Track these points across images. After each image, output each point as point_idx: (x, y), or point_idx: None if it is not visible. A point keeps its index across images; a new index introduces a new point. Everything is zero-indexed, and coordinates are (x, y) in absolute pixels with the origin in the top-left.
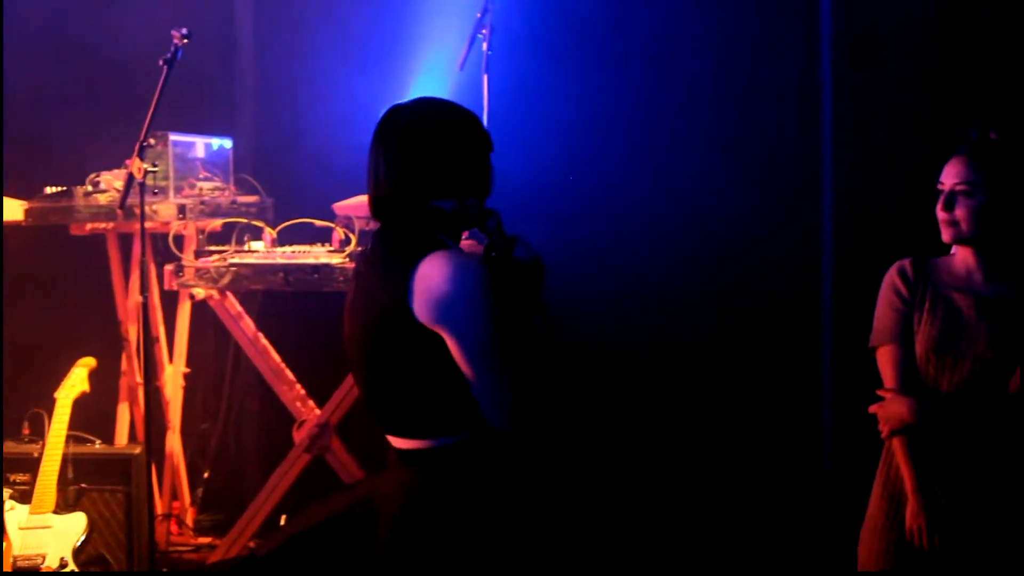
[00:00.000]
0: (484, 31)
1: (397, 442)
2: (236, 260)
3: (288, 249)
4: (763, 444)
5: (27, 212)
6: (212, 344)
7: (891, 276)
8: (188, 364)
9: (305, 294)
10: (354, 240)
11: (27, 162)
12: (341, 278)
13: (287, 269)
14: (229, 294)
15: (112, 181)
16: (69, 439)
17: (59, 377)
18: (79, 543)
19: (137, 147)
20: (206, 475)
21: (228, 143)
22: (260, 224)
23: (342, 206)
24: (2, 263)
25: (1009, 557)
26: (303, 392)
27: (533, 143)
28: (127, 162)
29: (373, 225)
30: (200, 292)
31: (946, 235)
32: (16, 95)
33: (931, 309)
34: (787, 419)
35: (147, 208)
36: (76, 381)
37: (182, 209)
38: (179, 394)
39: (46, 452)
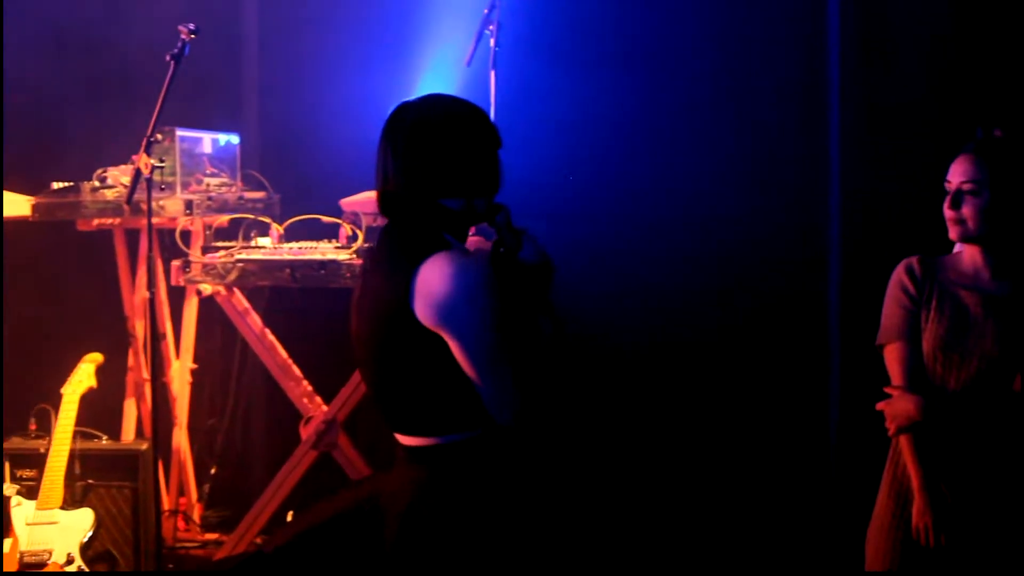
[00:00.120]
0: (491, 27)
1: (404, 439)
2: (243, 256)
3: (295, 245)
4: (770, 442)
5: (34, 207)
6: (219, 340)
7: (898, 274)
8: (195, 360)
9: (312, 290)
10: (361, 236)
11: (34, 157)
12: (348, 274)
13: (294, 265)
14: (236, 290)
15: (119, 176)
16: (76, 435)
17: (66, 373)
18: (86, 539)
19: (144, 142)
20: (213, 471)
21: (235, 139)
22: (267, 220)
23: (349, 202)
24: (1, 260)
25: (1015, 556)
26: (310, 388)
27: (537, 141)
28: (134, 157)
29: (380, 221)
30: (207, 288)
31: (953, 233)
32: (23, 90)
33: (938, 307)
34: (794, 417)
35: (154, 204)
36: (83, 377)
37: (189, 205)
38: (186, 390)
39: (53, 448)
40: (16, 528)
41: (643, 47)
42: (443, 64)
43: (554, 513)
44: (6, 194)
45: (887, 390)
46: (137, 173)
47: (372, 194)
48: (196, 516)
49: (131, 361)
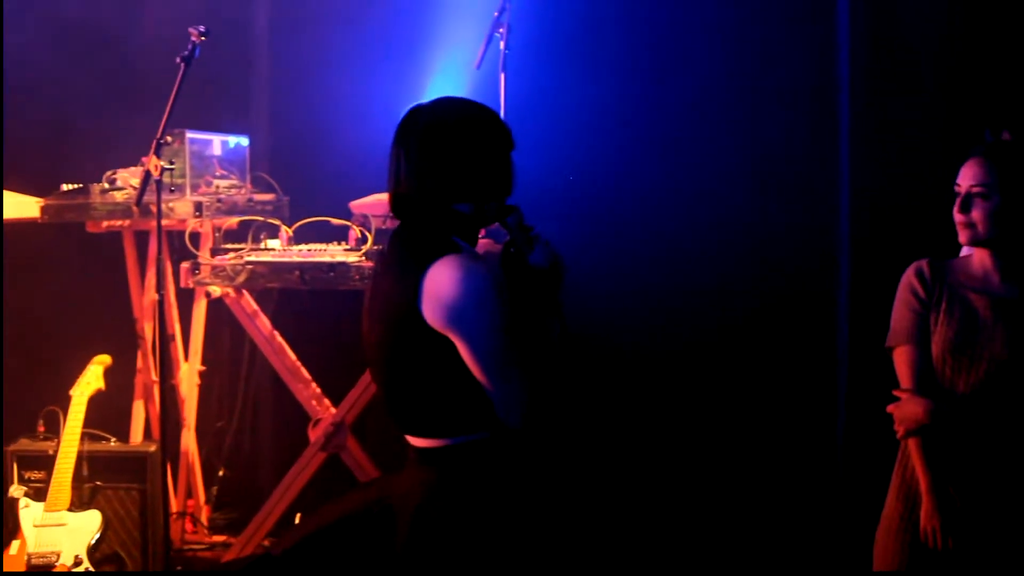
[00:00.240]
0: (501, 30)
1: (415, 441)
2: (252, 258)
3: (304, 247)
4: (779, 444)
5: (43, 209)
6: (228, 342)
7: (908, 277)
8: (204, 362)
9: (321, 292)
10: (370, 238)
11: (44, 159)
12: (357, 276)
13: (303, 267)
14: (245, 292)
15: (129, 178)
16: (84, 437)
17: (74, 374)
18: (94, 541)
19: (154, 144)
20: (221, 473)
21: (245, 141)
22: (276, 222)
23: (359, 204)
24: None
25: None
26: (318, 390)
27: (547, 142)
28: (144, 159)
29: (390, 223)
30: (216, 290)
31: (963, 237)
32: (34, 92)
33: (948, 310)
34: (802, 419)
35: (164, 206)
36: (91, 378)
37: (199, 207)
38: (194, 392)
39: (61, 449)
40: (24, 530)
41: (652, 49)
42: (453, 67)
43: (563, 514)
44: (15, 196)
45: (896, 393)
46: (147, 175)
47: (381, 196)
48: (204, 518)
49: (140, 363)
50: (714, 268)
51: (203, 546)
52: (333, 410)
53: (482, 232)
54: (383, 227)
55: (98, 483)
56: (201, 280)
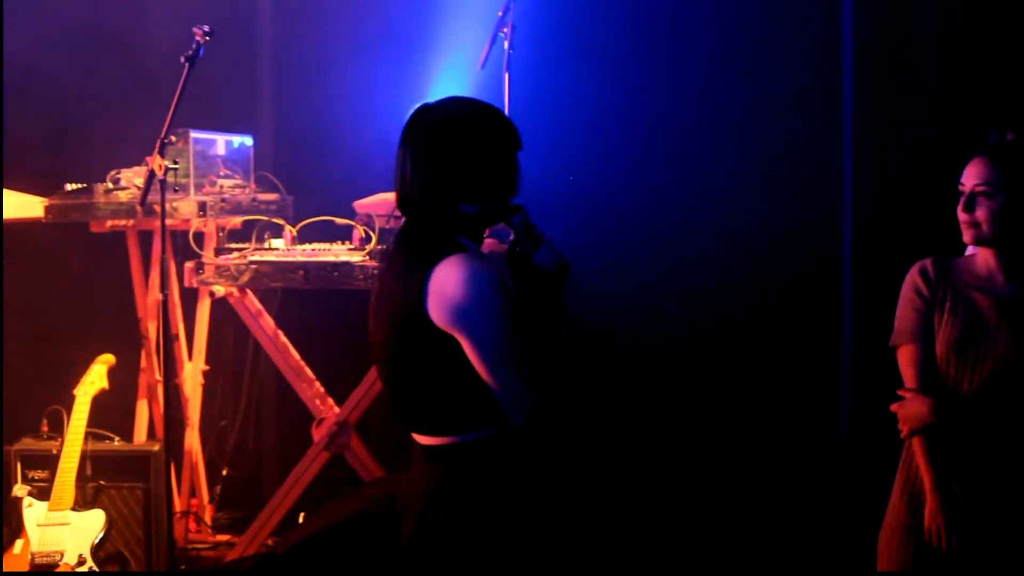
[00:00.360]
0: (505, 30)
1: (421, 439)
2: (256, 258)
3: (308, 247)
4: (783, 443)
5: (47, 209)
6: (231, 342)
7: (912, 276)
8: (207, 361)
9: (325, 292)
10: (374, 238)
11: (47, 159)
12: (361, 276)
13: (307, 267)
14: (249, 292)
15: (132, 178)
16: (88, 436)
17: (78, 374)
18: (97, 540)
19: (158, 144)
20: (225, 473)
21: (249, 140)
22: (280, 222)
23: (363, 204)
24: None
25: None
26: (322, 390)
27: (551, 143)
28: (148, 159)
29: (394, 223)
30: (220, 289)
31: (967, 236)
32: (38, 92)
33: (952, 309)
34: (806, 418)
35: (168, 205)
36: (95, 378)
37: (202, 206)
38: (198, 391)
39: (65, 449)
40: (28, 529)
41: (657, 49)
42: (457, 66)
43: (568, 512)
44: (19, 195)
45: (900, 392)
46: (151, 175)
47: (386, 196)
48: (208, 517)
49: (143, 362)
50: (716, 268)
51: (207, 545)
52: (337, 409)
53: (486, 232)
54: (387, 227)
55: (102, 482)
56: (205, 280)
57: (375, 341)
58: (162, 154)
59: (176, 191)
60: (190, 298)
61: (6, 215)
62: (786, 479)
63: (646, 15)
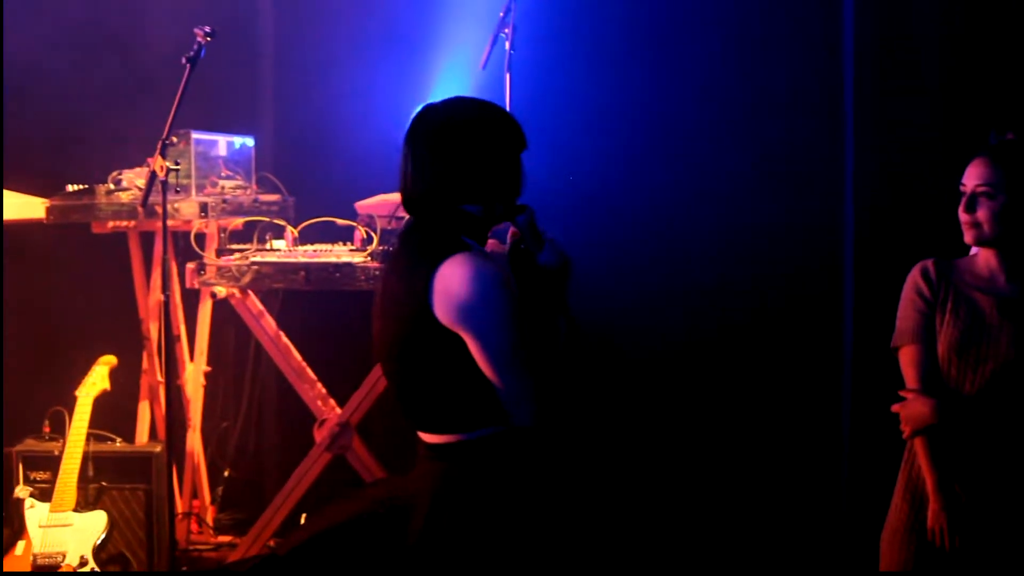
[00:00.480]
0: (507, 30)
1: (427, 437)
2: (258, 259)
3: (310, 248)
4: (784, 444)
5: (48, 210)
6: (233, 343)
7: (913, 277)
8: (209, 363)
9: (326, 293)
10: (376, 239)
11: (49, 160)
12: (363, 277)
13: (308, 268)
14: (250, 293)
15: (134, 179)
16: (90, 437)
17: (80, 375)
18: (99, 541)
19: (159, 145)
20: (226, 474)
21: (250, 141)
22: (282, 223)
23: (364, 205)
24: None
25: None
26: (324, 391)
27: (552, 143)
28: (149, 160)
29: (395, 224)
30: (221, 291)
31: (968, 237)
32: (39, 93)
33: (953, 310)
34: (808, 419)
35: (169, 206)
36: (97, 379)
37: (204, 207)
38: (200, 393)
39: (67, 450)
40: (30, 530)
41: (657, 49)
42: (458, 67)
43: (573, 510)
44: (21, 196)
45: (902, 393)
46: (152, 176)
47: (387, 197)
48: (209, 519)
49: (145, 363)
50: (716, 268)
51: (208, 547)
52: (339, 410)
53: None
54: (388, 227)
55: (103, 483)
56: (206, 281)
57: (380, 340)
58: (163, 155)
59: (177, 192)
60: (191, 299)
61: (7, 216)
62: (787, 479)
63: (646, 15)
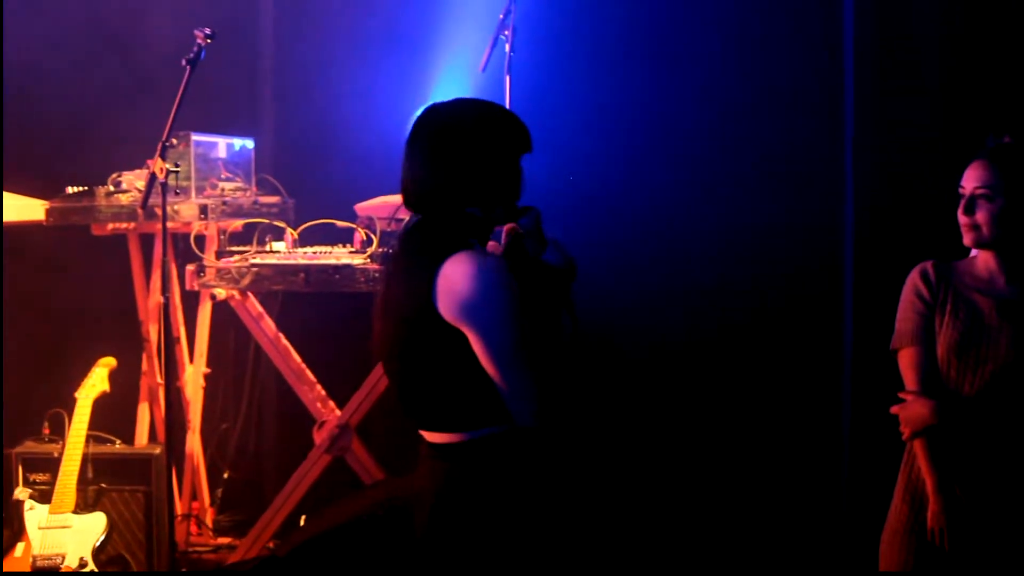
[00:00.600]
0: (507, 32)
1: (430, 436)
2: (257, 261)
3: (309, 250)
4: (784, 445)
5: (48, 212)
6: (232, 345)
7: (913, 278)
8: (208, 364)
9: (326, 295)
10: (376, 241)
11: (49, 162)
12: (362, 279)
13: (308, 270)
14: (250, 294)
15: (134, 181)
16: (89, 439)
17: (79, 377)
18: (99, 543)
19: (159, 147)
20: (226, 476)
21: (250, 143)
22: (281, 225)
23: (364, 207)
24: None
25: None
26: (323, 393)
27: (552, 144)
28: (149, 162)
29: (395, 226)
30: (221, 292)
31: (967, 239)
32: (39, 95)
33: (953, 311)
34: (808, 420)
35: (169, 208)
36: (96, 381)
37: (204, 209)
38: (199, 394)
39: (66, 452)
40: (29, 532)
41: (658, 51)
42: (458, 69)
43: (573, 511)
44: (20, 198)
45: (901, 395)
46: (152, 177)
47: (387, 199)
48: (209, 520)
49: (145, 365)
50: (716, 268)
51: (208, 548)
52: (338, 412)
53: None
54: (388, 229)
55: (103, 485)
56: (206, 283)
57: (381, 340)
58: (163, 157)
59: (177, 194)
60: (191, 301)
61: (7, 218)
62: (787, 480)
63: (646, 16)
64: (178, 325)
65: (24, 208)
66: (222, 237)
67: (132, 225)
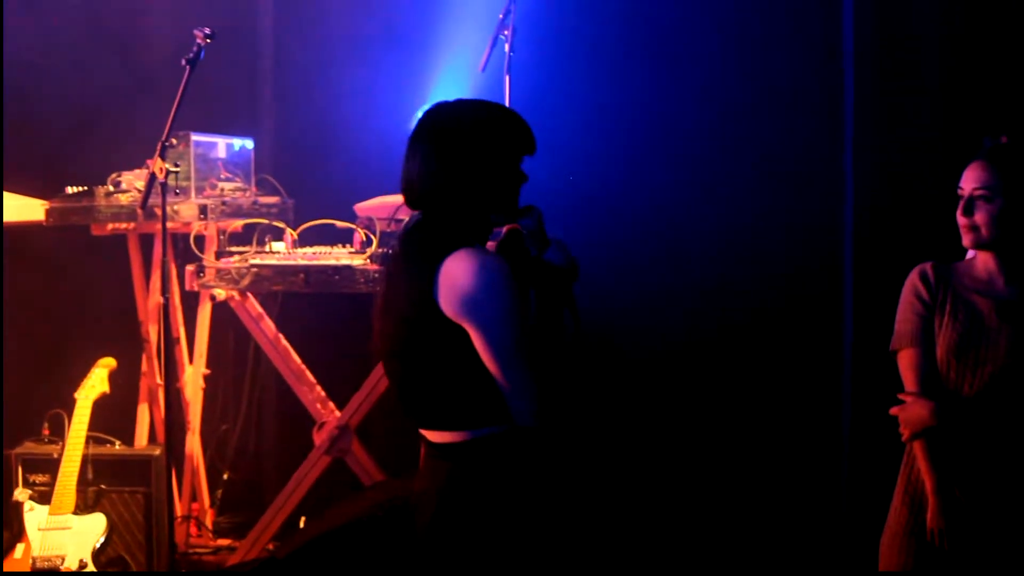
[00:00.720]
0: (506, 32)
1: (432, 436)
2: (257, 261)
3: (309, 250)
4: (783, 446)
5: (48, 212)
6: (232, 345)
7: (912, 280)
8: (208, 365)
9: (326, 296)
10: (375, 241)
11: (48, 162)
12: (362, 279)
13: (308, 270)
14: (250, 295)
15: (133, 181)
16: (89, 440)
17: (79, 378)
18: (98, 544)
19: (159, 147)
20: (225, 477)
21: (250, 143)
22: (281, 225)
23: (364, 207)
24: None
25: None
26: (323, 394)
27: (552, 144)
28: (148, 162)
29: (395, 227)
30: (221, 293)
31: (966, 240)
32: (37, 96)
33: (952, 313)
34: (807, 422)
35: (168, 208)
36: (96, 382)
37: (203, 210)
38: (199, 395)
39: (66, 453)
40: (29, 533)
41: (657, 49)
42: (458, 69)
43: (574, 510)
44: (20, 198)
45: (901, 396)
46: (152, 178)
47: (387, 199)
48: (208, 522)
49: (144, 366)
50: (716, 268)
51: (207, 550)
52: (338, 413)
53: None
54: (388, 230)
55: (103, 486)
56: (206, 283)
57: (383, 339)
58: (163, 157)
59: (177, 194)
60: (191, 301)
61: (6, 218)
62: (787, 480)
63: (646, 16)
64: (178, 326)
65: (24, 208)
66: (222, 237)
67: (132, 225)
